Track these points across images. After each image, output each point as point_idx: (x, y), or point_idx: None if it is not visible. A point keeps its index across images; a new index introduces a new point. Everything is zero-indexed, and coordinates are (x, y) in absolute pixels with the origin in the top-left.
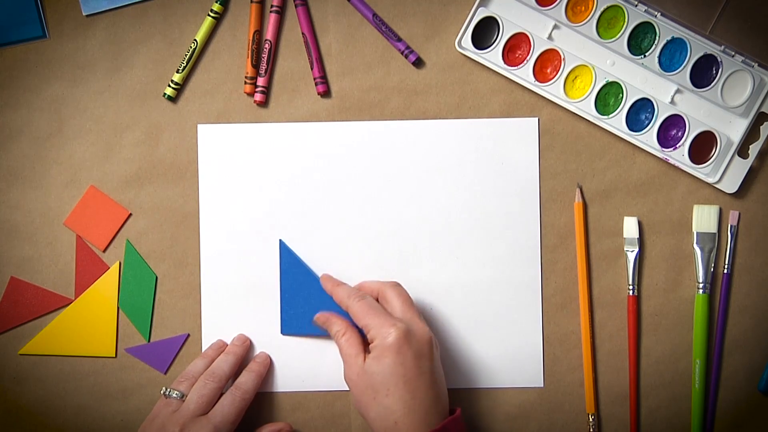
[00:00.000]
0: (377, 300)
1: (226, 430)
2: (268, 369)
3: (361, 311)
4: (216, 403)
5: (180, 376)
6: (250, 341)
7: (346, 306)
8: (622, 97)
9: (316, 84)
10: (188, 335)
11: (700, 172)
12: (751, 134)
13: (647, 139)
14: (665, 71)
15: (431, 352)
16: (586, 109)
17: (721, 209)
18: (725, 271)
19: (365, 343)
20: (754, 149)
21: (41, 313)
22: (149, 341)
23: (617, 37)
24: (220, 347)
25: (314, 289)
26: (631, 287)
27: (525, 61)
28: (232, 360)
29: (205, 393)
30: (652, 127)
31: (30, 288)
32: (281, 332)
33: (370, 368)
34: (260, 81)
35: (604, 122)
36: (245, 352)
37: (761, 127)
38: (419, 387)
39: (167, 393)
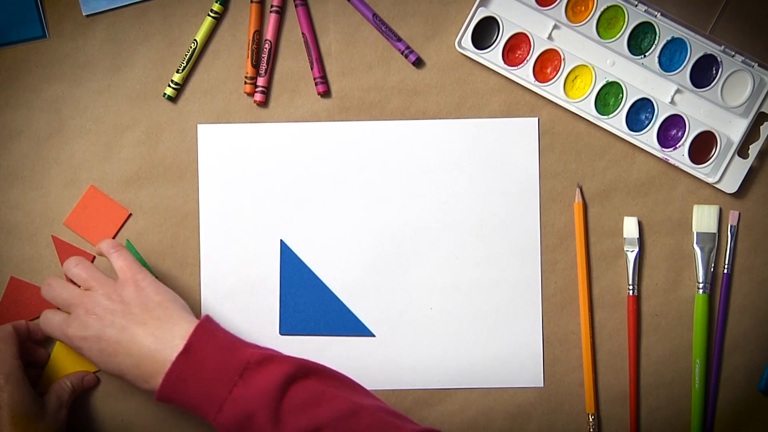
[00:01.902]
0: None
1: (5, 356)
2: None
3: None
4: None
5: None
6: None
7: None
8: (622, 97)
9: (316, 84)
10: None
11: (700, 172)
12: (751, 134)
13: (647, 139)
14: (665, 71)
15: (132, 290)
16: (586, 109)
17: (721, 209)
18: (725, 271)
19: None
20: (754, 149)
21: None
22: None
23: (617, 37)
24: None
25: (314, 289)
26: (631, 287)
27: (525, 61)
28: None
29: None
30: (652, 127)
31: (30, 288)
32: (280, 332)
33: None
34: (260, 81)
35: (604, 122)
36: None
37: (761, 127)
38: (137, 321)
39: None
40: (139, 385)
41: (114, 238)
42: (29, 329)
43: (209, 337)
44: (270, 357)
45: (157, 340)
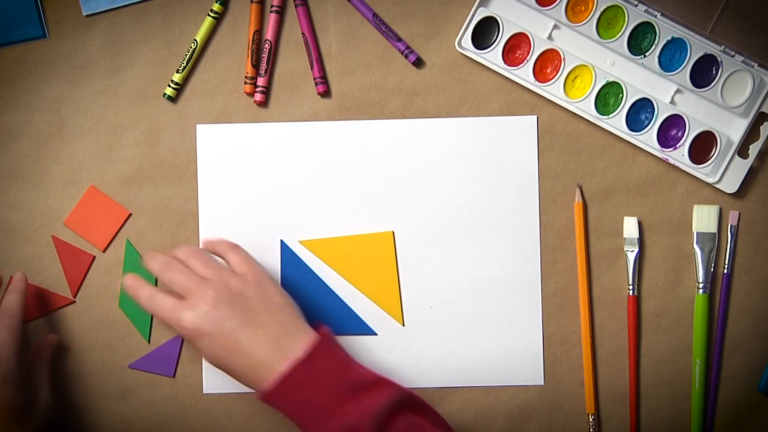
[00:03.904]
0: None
1: (7, 353)
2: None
3: (170, 274)
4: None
5: None
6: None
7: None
8: (622, 97)
9: (316, 84)
10: None
11: (700, 172)
12: (751, 134)
13: (647, 139)
14: (665, 71)
15: (254, 287)
16: (586, 109)
17: (721, 209)
18: (725, 271)
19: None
20: (754, 149)
21: (41, 314)
22: (149, 341)
23: (617, 37)
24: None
25: (315, 289)
26: (631, 287)
27: (525, 61)
28: (15, 296)
29: None
30: (652, 127)
31: (30, 288)
32: None
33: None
34: (260, 81)
35: (604, 122)
36: (26, 285)
37: (761, 127)
38: (258, 322)
39: None
40: (243, 382)
41: (114, 238)
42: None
43: (330, 349)
44: (382, 381)
45: (278, 346)
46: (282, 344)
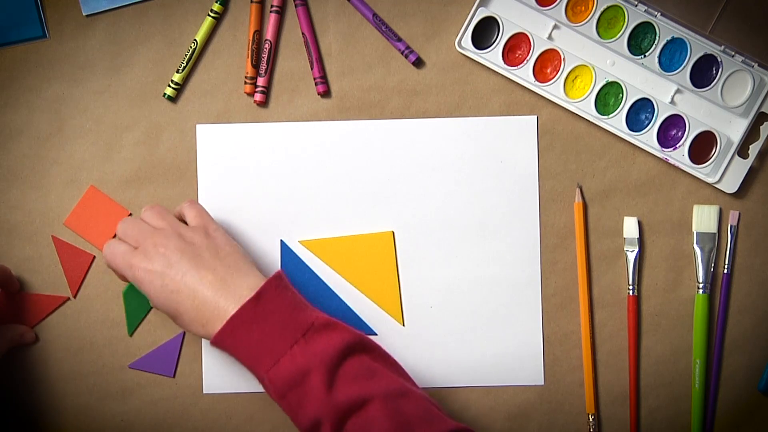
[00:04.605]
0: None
1: None
2: None
3: (123, 226)
4: None
5: None
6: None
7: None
8: (622, 97)
9: (316, 84)
10: (184, 333)
11: (700, 172)
12: (751, 134)
13: (647, 139)
14: (665, 71)
15: (203, 235)
16: (586, 109)
17: (721, 209)
18: (725, 271)
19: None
20: (754, 149)
21: (40, 318)
22: (131, 335)
23: (617, 37)
24: None
25: (315, 289)
26: (631, 287)
27: (525, 61)
28: None
29: None
30: (652, 127)
31: (23, 296)
32: None
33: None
34: (260, 81)
35: (604, 122)
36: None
37: (761, 127)
38: (206, 264)
39: None
40: (193, 329)
41: (114, 238)
42: (8, 276)
43: (280, 291)
44: (334, 324)
45: (225, 287)
46: (229, 285)
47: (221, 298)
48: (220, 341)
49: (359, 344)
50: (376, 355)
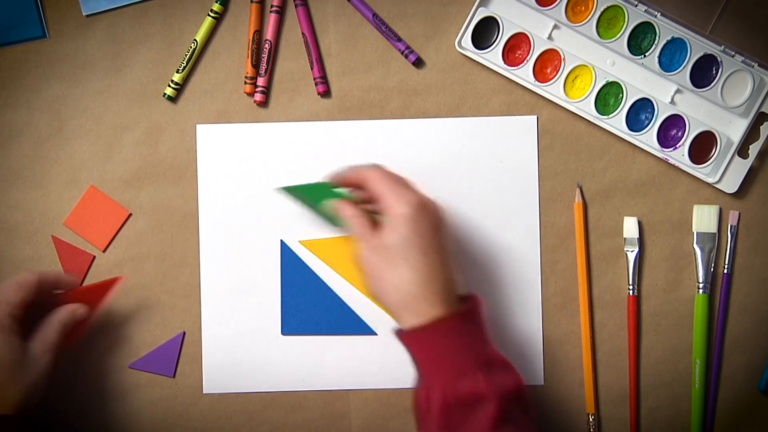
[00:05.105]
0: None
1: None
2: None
3: (376, 178)
4: None
5: None
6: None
7: (363, 175)
8: (622, 97)
9: (316, 84)
10: (184, 333)
11: (700, 172)
12: (751, 134)
13: (647, 139)
14: (665, 71)
15: (443, 226)
16: (586, 109)
17: (721, 209)
18: (725, 271)
19: (376, 224)
20: (754, 149)
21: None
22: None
23: (617, 37)
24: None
25: (315, 289)
26: (631, 287)
27: (525, 61)
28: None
29: None
30: (652, 127)
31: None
32: (281, 332)
33: (386, 240)
34: (260, 81)
35: (604, 122)
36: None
37: (761, 127)
38: (435, 260)
39: None
40: (391, 307)
41: (114, 238)
42: (57, 280)
43: (481, 317)
44: (513, 367)
45: (442, 288)
46: (446, 289)
47: (433, 296)
48: (411, 335)
49: (524, 395)
50: (528, 410)
